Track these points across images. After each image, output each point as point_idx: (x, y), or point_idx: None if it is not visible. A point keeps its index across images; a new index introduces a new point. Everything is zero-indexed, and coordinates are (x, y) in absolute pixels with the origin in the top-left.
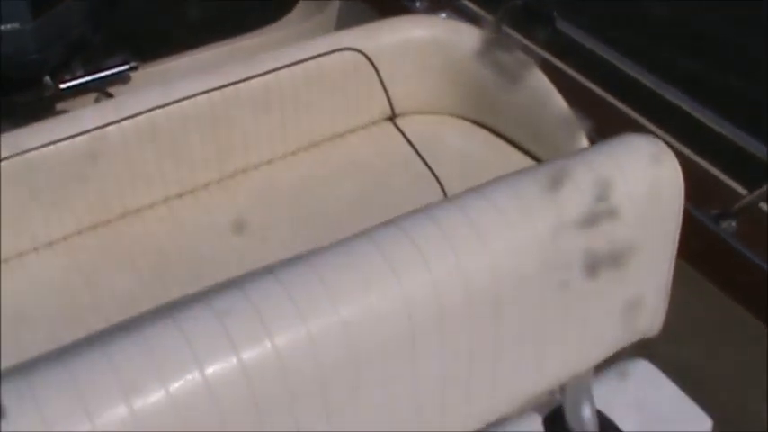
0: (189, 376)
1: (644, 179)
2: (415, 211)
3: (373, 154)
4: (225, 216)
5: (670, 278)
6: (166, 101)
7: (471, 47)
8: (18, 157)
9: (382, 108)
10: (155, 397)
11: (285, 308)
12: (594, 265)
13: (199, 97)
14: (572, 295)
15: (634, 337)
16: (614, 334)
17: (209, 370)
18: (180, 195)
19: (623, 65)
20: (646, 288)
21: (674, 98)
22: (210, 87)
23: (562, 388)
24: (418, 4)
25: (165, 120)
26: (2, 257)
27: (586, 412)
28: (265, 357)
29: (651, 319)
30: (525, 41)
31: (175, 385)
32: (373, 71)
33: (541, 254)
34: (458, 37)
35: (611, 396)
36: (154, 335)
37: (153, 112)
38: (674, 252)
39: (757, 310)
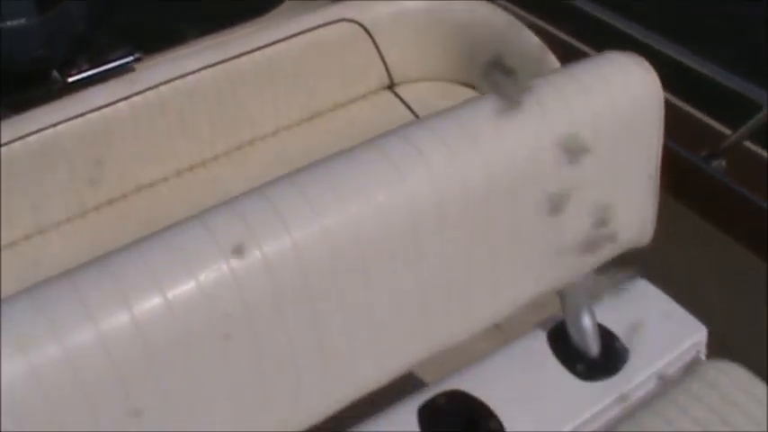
0: (215, 266)
1: (626, 90)
2: (413, 122)
3: (375, 121)
4: (235, 186)
5: (657, 189)
6: (172, 76)
7: (465, 14)
8: (33, 136)
9: (381, 77)
10: (185, 287)
11: (300, 206)
12: (576, 159)
13: (203, 72)
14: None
15: (625, 246)
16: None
17: (234, 262)
18: (191, 168)
19: (606, 16)
20: (631, 197)
21: (651, 41)
22: (213, 62)
23: (563, 302)
24: None
25: (172, 94)
26: (24, 235)
27: (587, 324)
28: (284, 250)
29: (640, 229)
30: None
31: (203, 276)
32: (370, 41)
33: (530, 158)
34: (451, 5)
35: (610, 311)
36: (181, 232)
37: (160, 88)
38: (659, 164)
39: (750, 242)
